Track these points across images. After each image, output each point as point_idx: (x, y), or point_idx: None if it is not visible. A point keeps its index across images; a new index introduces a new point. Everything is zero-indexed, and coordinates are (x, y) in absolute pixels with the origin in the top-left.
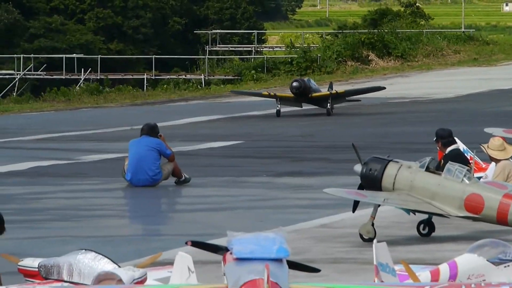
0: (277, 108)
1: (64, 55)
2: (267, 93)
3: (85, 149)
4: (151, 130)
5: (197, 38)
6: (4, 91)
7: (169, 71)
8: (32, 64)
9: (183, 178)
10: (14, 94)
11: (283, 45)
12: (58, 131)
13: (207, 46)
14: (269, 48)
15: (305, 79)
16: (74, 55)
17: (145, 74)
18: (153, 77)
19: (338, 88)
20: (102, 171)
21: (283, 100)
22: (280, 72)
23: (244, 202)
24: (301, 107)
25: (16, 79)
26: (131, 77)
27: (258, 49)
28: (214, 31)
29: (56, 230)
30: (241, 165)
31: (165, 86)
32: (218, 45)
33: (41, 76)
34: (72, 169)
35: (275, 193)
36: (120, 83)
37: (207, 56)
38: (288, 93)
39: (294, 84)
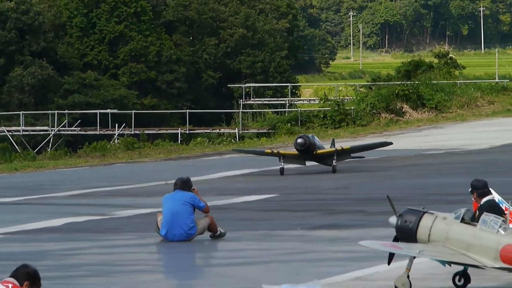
0: (281, 166)
1: (98, 111)
2: (270, 151)
3: (119, 204)
4: (184, 184)
5: (231, 92)
6: (39, 147)
7: (203, 125)
8: (66, 120)
9: (219, 232)
10: (49, 150)
11: (317, 98)
12: (93, 186)
13: (241, 100)
14: (303, 101)
15: (310, 135)
16: (108, 110)
17: (179, 128)
18: (187, 132)
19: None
20: (137, 226)
21: (286, 157)
22: (314, 125)
23: (279, 256)
24: (305, 164)
25: (51, 135)
26: (165, 131)
27: (292, 102)
28: (247, 84)
29: (91, 286)
30: (276, 219)
31: (199, 139)
32: (252, 99)
33: (75, 132)
34: (107, 224)
35: (310, 246)
36: (154, 138)
37: (241, 110)
38: (291, 150)
39: (299, 140)
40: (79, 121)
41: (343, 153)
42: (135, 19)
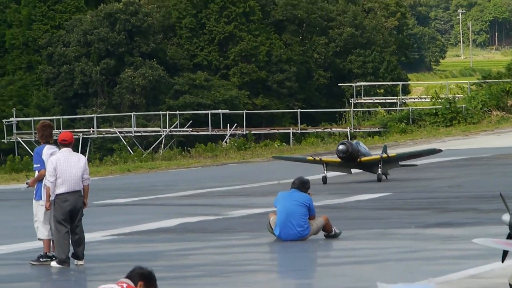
0: (323, 174)
1: (209, 111)
2: (312, 158)
3: (233, 204)
4: (302, 185)
5: (341, 91)
6: (151, 148)
7: (315, 125)
8: (178, 121)
9: (333, 232)
10: (161, 151)
11: (428, 96)
12: (206, 187)
13: (352, 99)
14: (414, 99)
15: (354, 141)
16: (220, 110)
17: (291, 128)
18: (298, 131)
19: (390, 151)
20: (250, 226)
21: (329, 165)
22: (426, 123)
23: (393, 254)
24: (351, 173)
25: (163, 136)
26: (276, 131)
27: (403, 101)
28: (358, 84)
29: (206, 286)
30: (389, 217)
31: (311, 139)
32: (362, 98)
33: (187, 133)
34: (220, 224)
35: (424, 244)
36: (266, 138)
37: (352, 109)
38: (335, 157)
39: (341, 147)
40: (191, 121)
41: (389, 161)
42: (244, 19)
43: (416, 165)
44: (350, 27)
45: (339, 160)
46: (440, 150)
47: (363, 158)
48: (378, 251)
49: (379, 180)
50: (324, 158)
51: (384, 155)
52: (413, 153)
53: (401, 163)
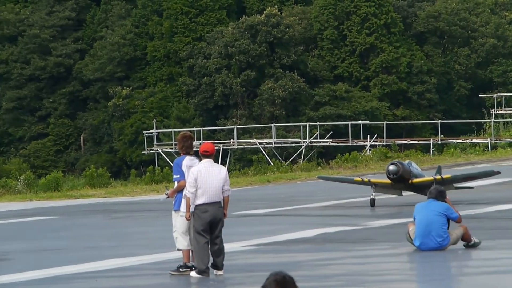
0: (371, 196)
1: (349, 122)
2: (360, 179)
3: (372, 214)
4: (439, 194)
5: (482, 101)
6: (291, 158)
7: (455, 136)
8: (318, 132)
9: (473, 242)
10: (301, 162)
11: None
12: (345, 197)
13: (493, 110)
14: None
15: (405, 162)
16: (360, 121)
17: (431, 139)
18: (439, 142)
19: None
20: (389, 236)
21: (379, 187)
22: None
23: None
24: (401, 195)
25: (303, 146)
26: (416, 142)
27: None
28: (499, 94)
29: None
30: None
31: (451, 150)
32: (503, 108)
33: (327, 144)
34: (359, 234)
35: None
36: (406, 149)
37: (493, 120)
38: (384, 178)
39: (391, 168)
40: (331, 132)
41: (444, 183)
42: (386, 31)
43: (473, 187)
44: (492, 38)
45: (389, 181)
46: (498, 172)
47: (415, 180)
48: None
49: None
50: (373, 179)
51: (438, 177)
52: (469, 175)
53: (456, 185)
